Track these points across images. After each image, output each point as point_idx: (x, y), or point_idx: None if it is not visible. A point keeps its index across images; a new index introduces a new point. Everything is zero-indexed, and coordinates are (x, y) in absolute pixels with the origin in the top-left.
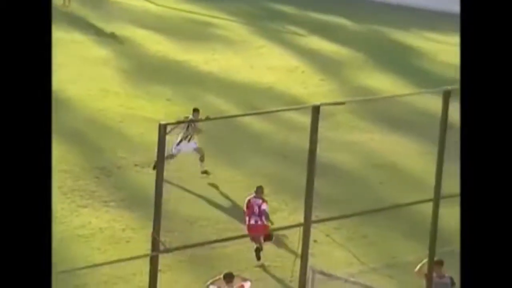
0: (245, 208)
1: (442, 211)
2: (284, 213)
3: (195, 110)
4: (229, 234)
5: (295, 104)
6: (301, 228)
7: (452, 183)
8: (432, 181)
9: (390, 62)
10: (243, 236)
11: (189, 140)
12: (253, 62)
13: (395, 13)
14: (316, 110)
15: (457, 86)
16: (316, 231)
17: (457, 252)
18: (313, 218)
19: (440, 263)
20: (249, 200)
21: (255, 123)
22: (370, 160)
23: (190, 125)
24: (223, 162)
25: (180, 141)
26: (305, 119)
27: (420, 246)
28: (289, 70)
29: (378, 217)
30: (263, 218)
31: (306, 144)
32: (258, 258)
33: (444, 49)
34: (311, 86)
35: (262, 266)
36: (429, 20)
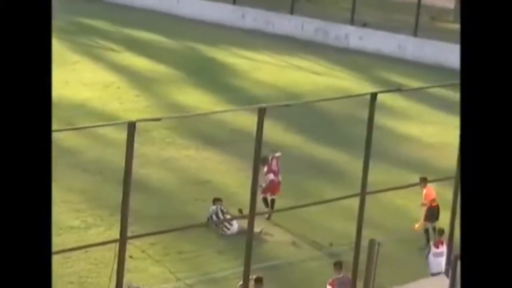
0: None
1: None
2: (100, 229)
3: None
4: None
5: (110, 119)
6: (117, 244)
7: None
8: (246, 197)
9: (204, 79)
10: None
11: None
12: (68, 78)
13: (204, 29)
14: (131, 126)
15: (270, 103)
16: (132, 247)
17: (274, 267)
18: (129, 234)
19: (259, 280)
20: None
21: (70, 139)
22: (186, 176)
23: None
24: None
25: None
26: (121, 135)
27: (236, 262)
28: (105, 86)
29: (193, 233)
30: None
31: (121, 160)
32: (272, 207)
33: (255, 67)
34: (127, 102)
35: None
36: (237, 37)
